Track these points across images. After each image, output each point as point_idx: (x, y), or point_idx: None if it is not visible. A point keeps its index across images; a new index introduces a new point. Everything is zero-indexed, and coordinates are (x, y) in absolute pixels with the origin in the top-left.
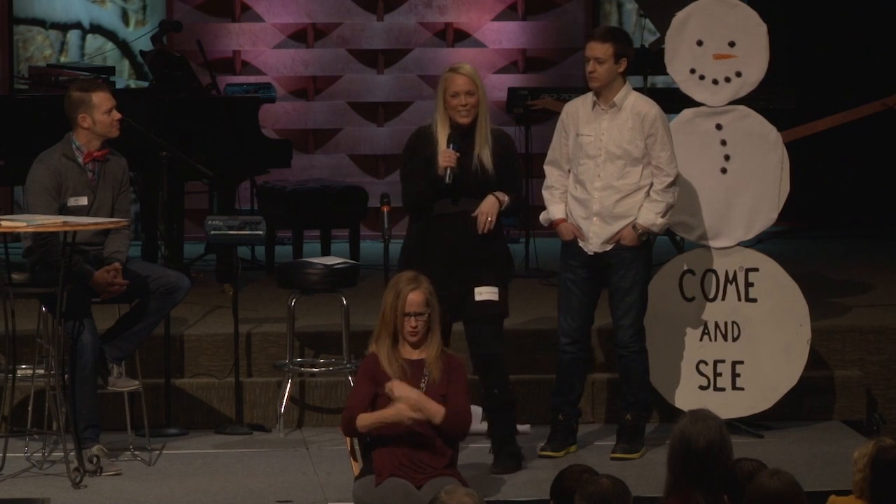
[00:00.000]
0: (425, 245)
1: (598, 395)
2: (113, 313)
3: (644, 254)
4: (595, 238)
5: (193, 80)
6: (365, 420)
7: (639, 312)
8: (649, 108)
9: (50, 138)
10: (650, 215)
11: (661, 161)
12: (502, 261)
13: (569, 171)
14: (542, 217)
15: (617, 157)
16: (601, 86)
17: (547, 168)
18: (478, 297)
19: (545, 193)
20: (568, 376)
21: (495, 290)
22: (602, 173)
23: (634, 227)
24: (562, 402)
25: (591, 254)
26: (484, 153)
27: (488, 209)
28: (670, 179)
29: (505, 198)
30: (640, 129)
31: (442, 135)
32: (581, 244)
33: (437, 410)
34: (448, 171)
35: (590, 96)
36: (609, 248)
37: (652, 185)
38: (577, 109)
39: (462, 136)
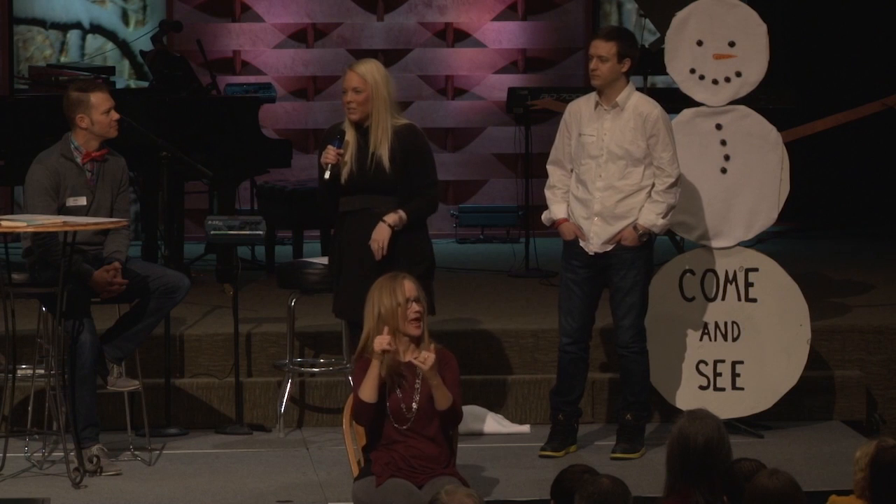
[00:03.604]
0: (340, 243)
1: (598, 395)
2: (113, 313)
3: (645, 254)
4: (596, 238)
5: (193, 80)
6: (364, 388)
7: (639, 313)
8: (652, 108)
9: (50, 138)
10: (651, 216)
11: (663, 162)
12: (414, 260)
13: (571, 170)
14: (544, 216)
15: (618, 157)
16: (603, 84)
17: (549, 168)
18: None
19: (547, 193)
20: (568, 376)
21: None
22: (604, 173)
23: (635, 227)
24: (562, 402)
25: (592, 254)
26: (382, 150)
27: (379, 238)
28: (672, 180)
29: (399, 216)
30: (641, 129)
31: (348, 131)
32: (582, 244)
33: (447, 395)
34: (328, 168)
35: (592, 96)
36: (610, 248)
37: (653, 185)
38: (580, 109)
39: (361, 133)
